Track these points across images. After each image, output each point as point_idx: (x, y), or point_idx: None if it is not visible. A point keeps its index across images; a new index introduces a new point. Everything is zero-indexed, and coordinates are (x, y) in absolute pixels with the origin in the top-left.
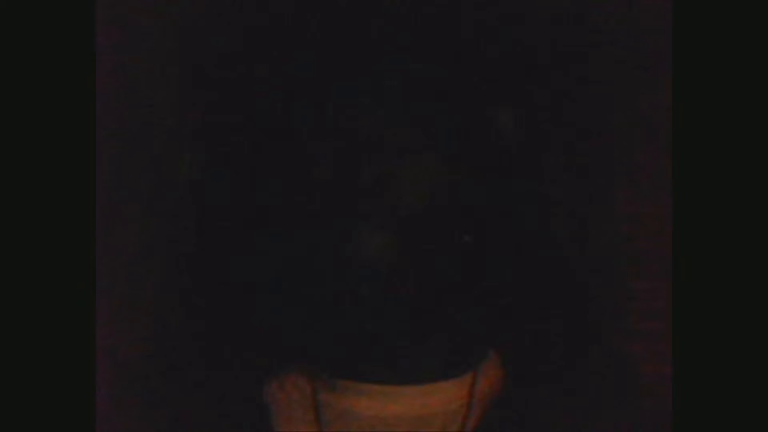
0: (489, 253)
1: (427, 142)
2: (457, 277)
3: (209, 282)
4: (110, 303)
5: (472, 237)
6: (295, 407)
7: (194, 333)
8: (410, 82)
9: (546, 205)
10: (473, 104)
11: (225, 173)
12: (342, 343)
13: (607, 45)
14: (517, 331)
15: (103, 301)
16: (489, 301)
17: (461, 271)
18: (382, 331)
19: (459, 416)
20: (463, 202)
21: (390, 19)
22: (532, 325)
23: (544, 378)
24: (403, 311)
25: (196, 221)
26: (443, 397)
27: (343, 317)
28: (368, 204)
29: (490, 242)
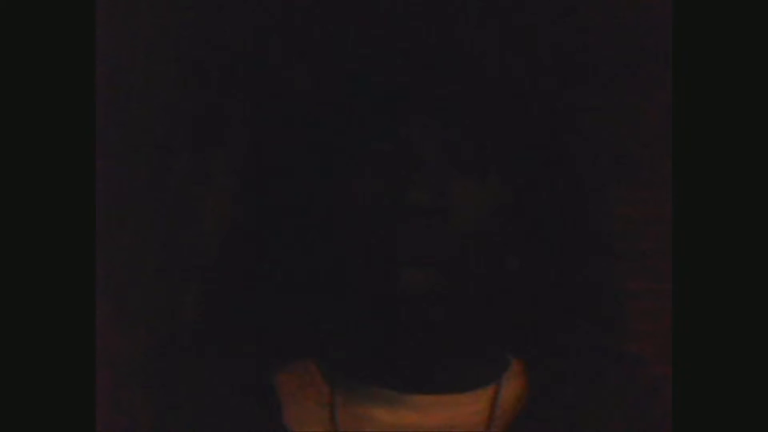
0: (528, 274)
1: (482, 161)
2: (496, 299)
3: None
4: (110, 303)
5: (518, 261)
6: (310, 404)
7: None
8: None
9: (546, 205)
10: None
11: (257, 178)
12: (364, 348)
13: (607, 45)
14: (519, 333)
15: (103, 301)
16: (508, 311)
17: (501, 292)
18: (408, 341)
19: (480, 429)
20: (512, 226)
21: (448, 22)
22: (531, 326)
23: (544, 378)
24: (435, 329)
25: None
26: (463, 409)
27: (369, 325)
28: (414, 226)
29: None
